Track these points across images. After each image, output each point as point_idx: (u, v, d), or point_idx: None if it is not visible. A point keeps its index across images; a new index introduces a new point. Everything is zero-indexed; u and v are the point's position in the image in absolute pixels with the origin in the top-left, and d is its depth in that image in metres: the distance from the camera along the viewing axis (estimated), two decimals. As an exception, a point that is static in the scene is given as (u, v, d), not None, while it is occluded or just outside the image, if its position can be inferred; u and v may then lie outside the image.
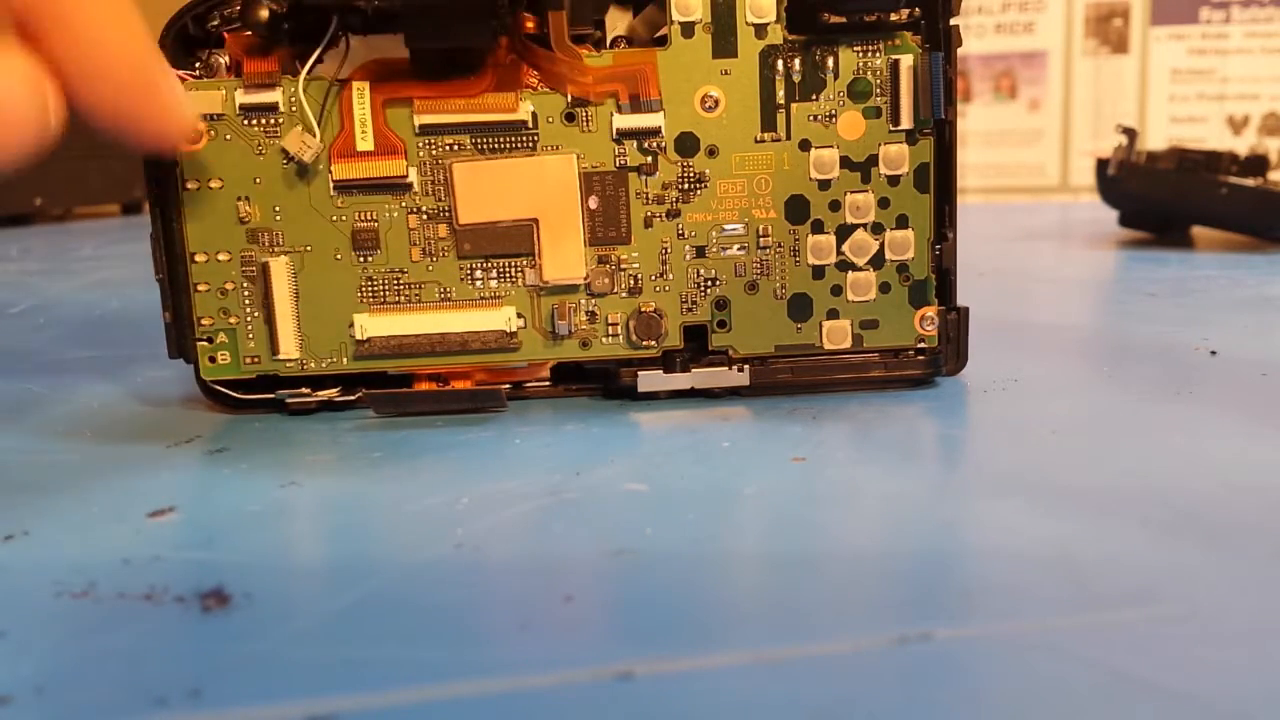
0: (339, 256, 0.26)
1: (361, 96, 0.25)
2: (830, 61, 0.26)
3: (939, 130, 0.26)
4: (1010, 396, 0.26)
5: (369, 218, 0.26)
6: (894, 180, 0.26)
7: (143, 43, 0.19)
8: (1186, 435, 0.23)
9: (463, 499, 0.20)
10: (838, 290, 0.26)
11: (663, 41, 0.25)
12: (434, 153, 0.25)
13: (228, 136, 0.25)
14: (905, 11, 0.25)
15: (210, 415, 0.27)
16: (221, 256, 0.25)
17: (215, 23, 0.25)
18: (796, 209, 0.26)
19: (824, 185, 0.26)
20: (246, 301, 0.26)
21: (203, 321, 0.26)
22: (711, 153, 0.26)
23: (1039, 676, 0.13)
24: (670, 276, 0.26)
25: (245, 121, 0.25)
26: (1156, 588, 0.16)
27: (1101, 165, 0.57)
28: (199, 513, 0.20)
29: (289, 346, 0.26)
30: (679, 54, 0.25)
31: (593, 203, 0.26)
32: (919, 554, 0.17)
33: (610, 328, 0.26)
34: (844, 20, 0.25)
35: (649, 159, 0.26)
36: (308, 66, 0.25)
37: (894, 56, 0.25)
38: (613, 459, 0.22)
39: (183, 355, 0.26)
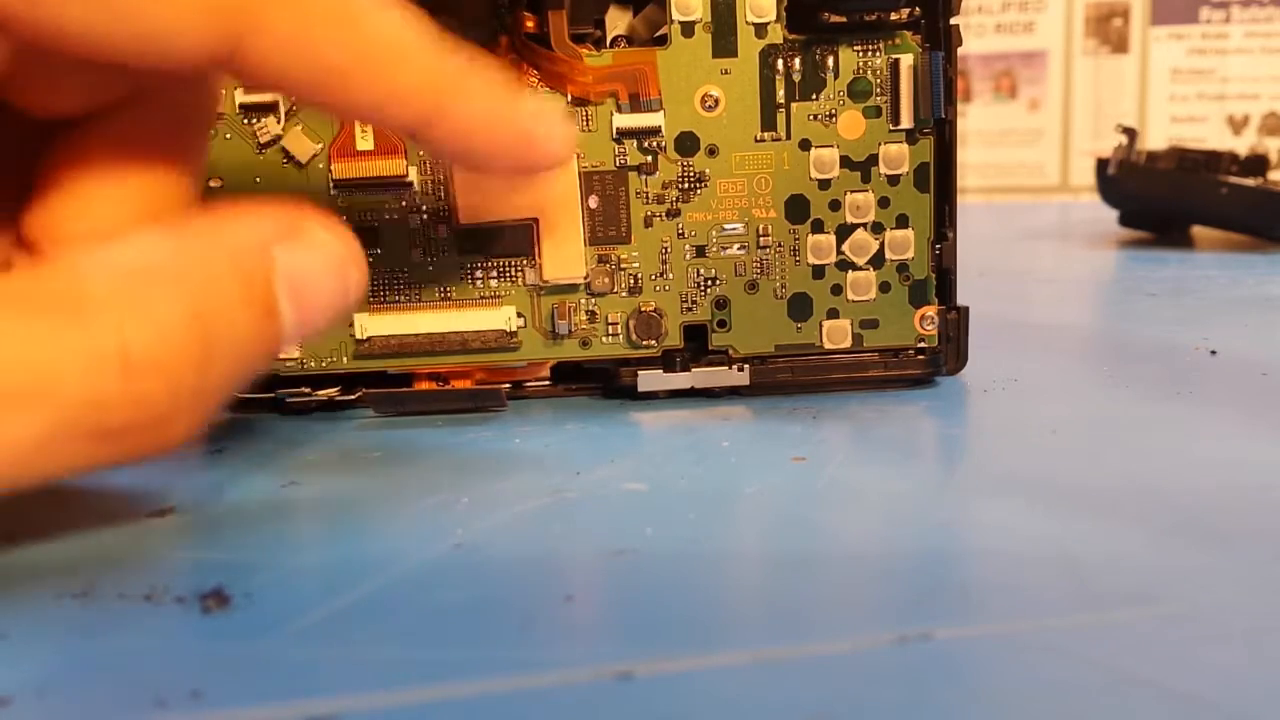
0: (339, 256, 0.26)
1: (361, 96, 0.25)
2: (830, 61, 0.26)
3: (939, 130, 0.26)
4: (1010, 396, 0.26)
5: (369, 217, 0.26)
6: (894, 180, 0.26)
7: (512, 110, 0.18)
8: (1187, 435, 0.23)
9: (463, 499, 0.20)
10: (838, 290, 0.26)
11: (663, 41, 0.25)
12: (434, 152, 0.25)
13: (228, 136, 0.25)
14: (905, 11, 0.25)
15: (210, 415, 0.27)
16: (221, 256, 0.25)
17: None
18: (796, 208, 0.26)
19: (824, 185, 0.26)
20: (246, 301, 0.26)
21: (202, 321, 0.26)
22: (711, 152, 0.26)
23: (1039, 676, 0.13)
24: (670, 276, 0.26)
25: (245, 121, 0.25)
26: (1157, 587, 0.16)
27: (1101, 165, 0.57)
28: (199, 513, 0.20)
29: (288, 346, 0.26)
30: (679, 53, 0.25)
31: (593, 202, 0.26)
32: (919, 554, 0.17)
33: (610, 327, 0.26)
34: (844, 19, 0.25)
35: (649, 158, 0.26)
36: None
37: (894, 56, 0.25)
38: (613, 459, 0.22)
39: (182, 355, 0.26)
